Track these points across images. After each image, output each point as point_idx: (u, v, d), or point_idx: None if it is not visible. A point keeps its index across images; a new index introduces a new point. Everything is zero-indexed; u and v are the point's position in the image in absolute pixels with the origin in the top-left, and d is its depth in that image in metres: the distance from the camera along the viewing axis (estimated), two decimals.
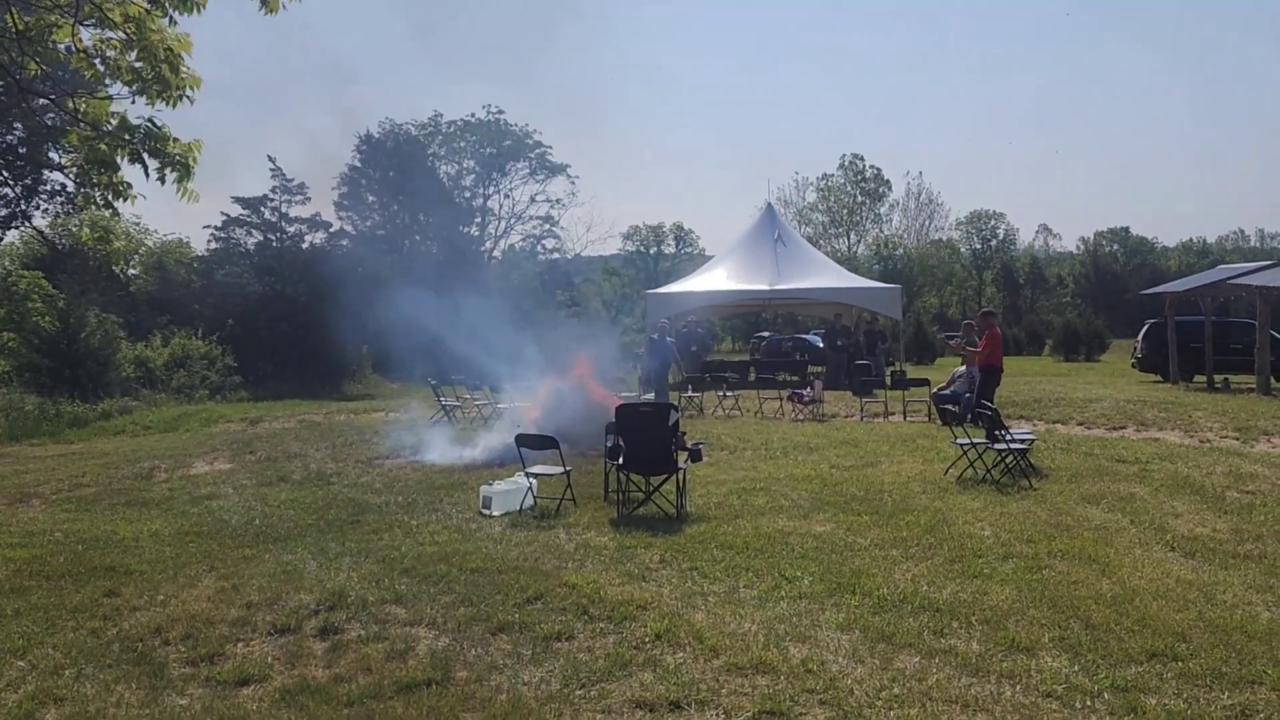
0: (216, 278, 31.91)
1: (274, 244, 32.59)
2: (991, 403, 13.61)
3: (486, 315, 21.19)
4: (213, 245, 33.02)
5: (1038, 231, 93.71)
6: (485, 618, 5.96)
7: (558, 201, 57.15)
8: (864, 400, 17.59)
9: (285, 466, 12.29)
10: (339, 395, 25.75)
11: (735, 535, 7.90)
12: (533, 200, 56.89)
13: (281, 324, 29.96)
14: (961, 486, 9.98)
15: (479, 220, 51.88)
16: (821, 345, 27.73)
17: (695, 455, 9.88)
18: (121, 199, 4.84)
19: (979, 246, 69.59)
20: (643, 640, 5.53)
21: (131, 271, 37.03)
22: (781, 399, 18.36)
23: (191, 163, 4.70)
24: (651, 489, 9.15)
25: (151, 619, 6.08)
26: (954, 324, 18.07)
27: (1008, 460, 10.43)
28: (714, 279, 25.97)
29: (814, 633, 5.61)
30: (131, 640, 5.74)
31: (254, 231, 32.73)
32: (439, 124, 51.96)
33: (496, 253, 54.12)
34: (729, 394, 18.94)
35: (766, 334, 38.89)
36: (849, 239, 67.36)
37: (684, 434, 10.67)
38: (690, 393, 18.94)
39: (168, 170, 4.72)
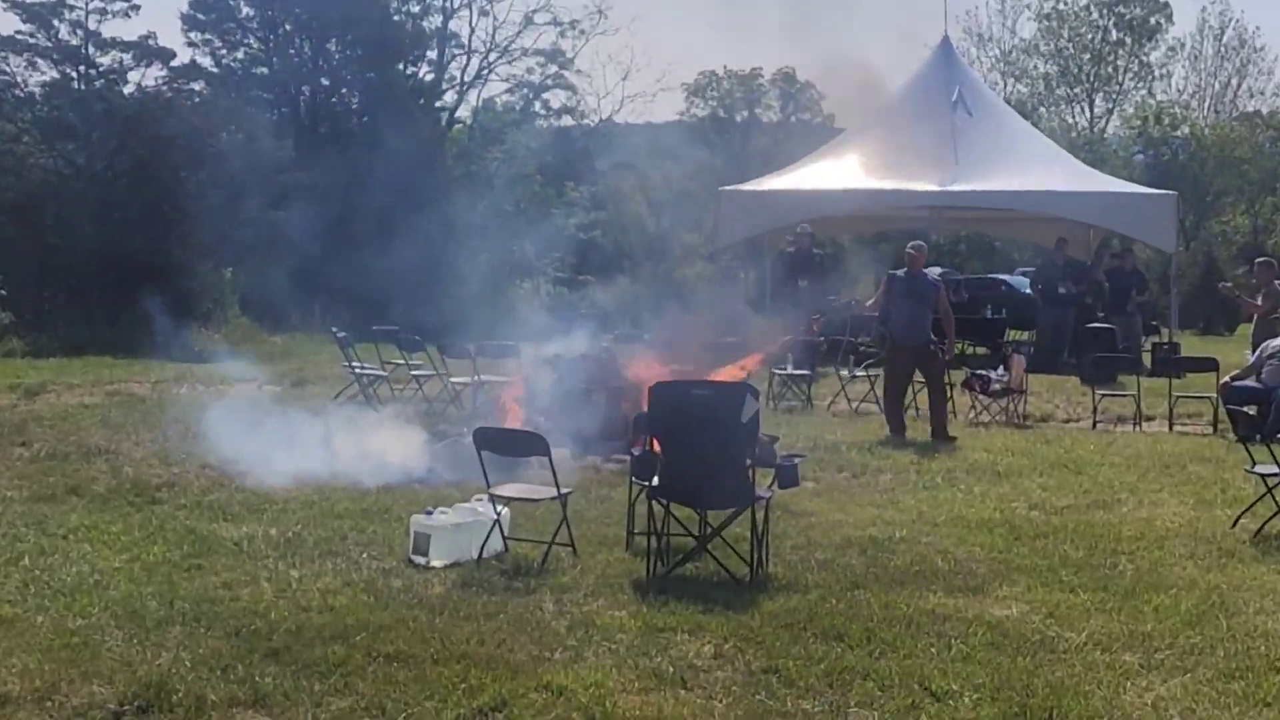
0: None
1: (75, 85, 33.06)
2: None
3: (439, 224, 21.39)
4: None
5: None
6: None
7: (572, 26, 56.59)
8: (1100, 393, 17.59)
9: (81, 470, 12.56)
10: (179, 353, 26.07)
11: (849, 616, 7.98)
12: (529, 22, 56.45)
13: (85, 224, 30.50)
14: (1261, 548, 9.96)
15: (433, 55, 52.07)
16: (1031, 293, 27.61)
17: (787, 477, 9.95)
18: None
19: None
20: None
21: None
22: (953, 386, 18.37)
23: None
24: (708, 531, 9.21)
25: None
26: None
27: None
28: (840, 170, 25.93)
29: None
30: None
31: (39, 61, 33.20)
32: None
33: (464, 113, 54.38)
34: (860, 373, 19.01)
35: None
36: (1090, 106, 66.66)
37: (770, 439, 10.73)
38: (791, 370, 19.02)
39: None
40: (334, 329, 19.55)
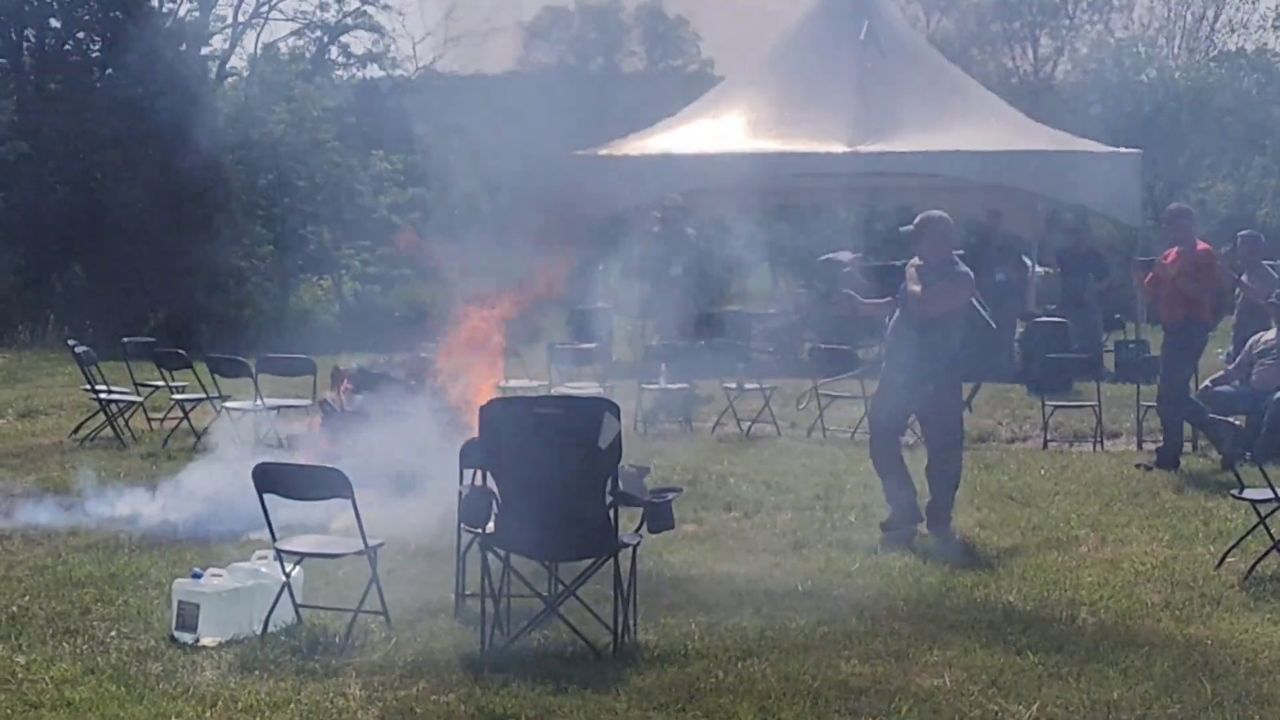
0: None
1: None
2: (1185, 383, 14.95)
3: (208, 206, 21.13)
4: None
5: None
6: None
7: None
8: (1052, 404, 17.81)
9: None
10: None
11: (739, 693, 8.01)
12: None
13: None
14: (1253, 592, 10.17)
15: None
16: None
17: (659, 518, 9.92)
18: None
19: None
20: None
21: None
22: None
23: None
24: (559, 590, 9.22)
25: None
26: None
27: None
28: (721, 129, 25.99)
29: None
30: None
31: None
32: None
33: (239, 62, 53.75)
34: (750, 387, 19.07)
35: (844, 255, 38.99)
36: (1034, 45, 67.65)
37: (638, 471, 10.71)
38: (665, 384, 19.07)
39: None
40: (70, 342, 19.22)
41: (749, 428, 18.32)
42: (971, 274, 13.12)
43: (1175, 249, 15.38)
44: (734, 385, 19.05)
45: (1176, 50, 66.78)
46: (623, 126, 31.48)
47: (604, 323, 24.01)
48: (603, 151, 27.02)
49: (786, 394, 19.54)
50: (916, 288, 12.49)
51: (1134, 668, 8.46)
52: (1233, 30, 67.68)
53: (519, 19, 77.55)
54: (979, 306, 14.15)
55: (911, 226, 13.11)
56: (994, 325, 14.46)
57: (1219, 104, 61.29)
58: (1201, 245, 15.54)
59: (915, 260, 12.86)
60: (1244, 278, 17.84)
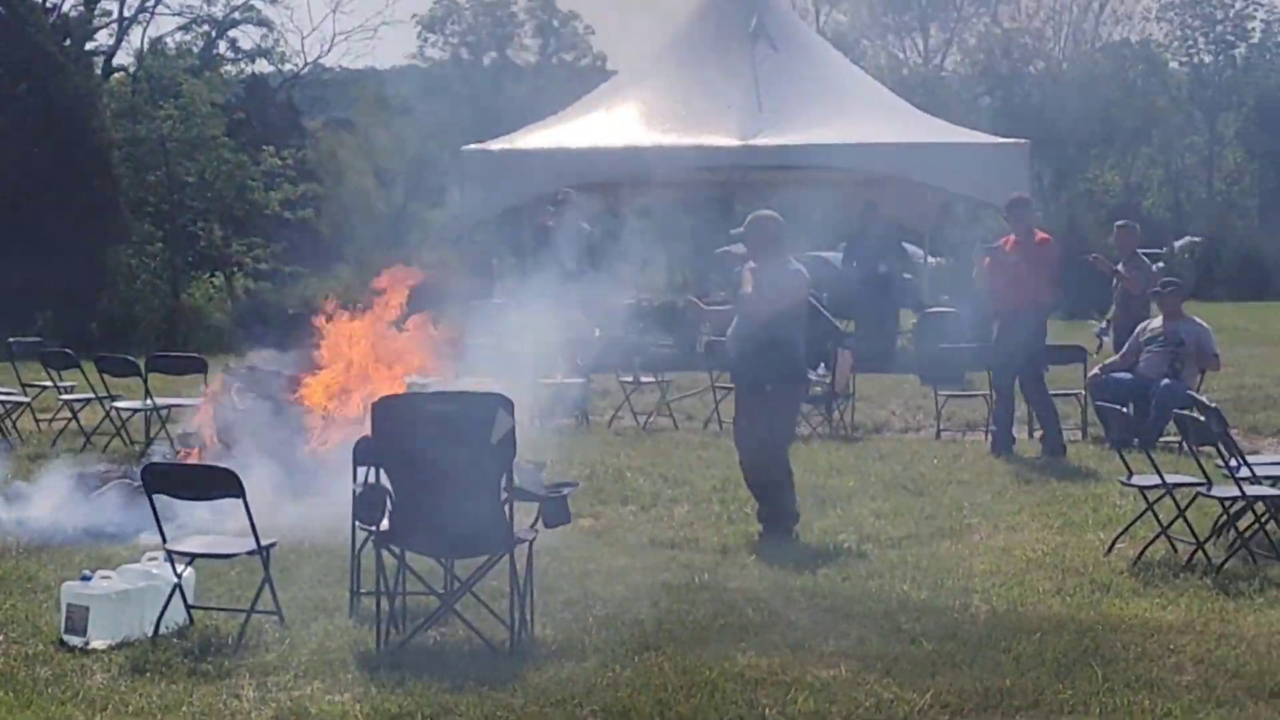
0: None
1: None
2: (1037, 373, 15.56)
3: (95, 205, 20.91)
4: None
5: None
6: None
7: None
8: (944, 394, 17.90)
9: None
10: None
11: (637, 687, 8.01)
12: None
13: None
14: (1142, 578, 10.26)
15: None
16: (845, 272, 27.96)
17: (555, 513, 9.91)
18: None
19: (1210, 59, 70.58)
20: None
21: None
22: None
23: None
24: (455, 587, 9.18)
25: None
26: (1152, 237, 18.72)
27: (1245, 522, 10.73)
28: (614, 123, 25.99)
29: None
30: None
31: None
32: None
33: (125, 58, 53.22)
34: (647, 380, 19.04)
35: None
36: (924, 37, 68.09)
37: (534, 466, 10.70)
38: (561, 378, 19.02)
39: None
40: None
41: (645, 421, 18.33)
42: (805, 272, 12.88)
43: (1013, 237, 15.94)
44: (630, 379, 19.04)
45: (1063, 42, 67.54)
46: (516, 121, 31.47)
47: (500, 318, 23.94)
48: (495, 146, 26.96)
49: (683, 387, 19.57)
50: (749, 289, 12.29)
51: (1026, 654, 8.51)
52: (1117, 21, 68.65)
53: (412, 13, 77.39)
54: (819, 307, 14.00)
55: (741, 229, 12.99)
56: (839, 327, 14.49)
57: (1105, 94, 61.99)
58: (1040, 235, 16.11)
59: (750, 263, 12.57)
60: (1120, 267, 18.03)
